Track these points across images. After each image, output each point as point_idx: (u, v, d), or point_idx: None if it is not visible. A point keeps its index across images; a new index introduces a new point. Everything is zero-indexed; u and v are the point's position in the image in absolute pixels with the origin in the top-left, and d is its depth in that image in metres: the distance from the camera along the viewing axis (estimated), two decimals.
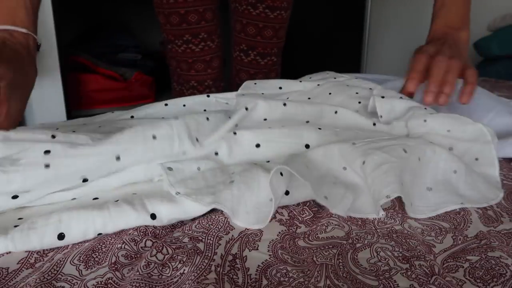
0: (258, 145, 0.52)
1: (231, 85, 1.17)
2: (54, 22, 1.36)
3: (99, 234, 0.40)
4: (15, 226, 0.39)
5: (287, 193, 0.45)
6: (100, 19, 2.07)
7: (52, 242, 0.38)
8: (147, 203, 0.42)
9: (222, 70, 1.15)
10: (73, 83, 1.72)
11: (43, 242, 0.38)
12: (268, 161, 0.52)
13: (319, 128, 0.56)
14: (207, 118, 0.53)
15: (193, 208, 0.43)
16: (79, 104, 1.73)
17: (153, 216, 0.41)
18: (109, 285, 0.34)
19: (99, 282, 0.34)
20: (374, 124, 0.62)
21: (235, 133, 0.53)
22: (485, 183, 0.51)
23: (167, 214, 0.42)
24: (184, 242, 0.39)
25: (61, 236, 0.38)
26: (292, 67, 1.59)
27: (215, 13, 1.05)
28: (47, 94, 1.41)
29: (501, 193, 0.51)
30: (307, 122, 0.60)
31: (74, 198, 0.46)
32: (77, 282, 0.34)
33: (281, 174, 0.44)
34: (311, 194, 0.46)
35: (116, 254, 0.37)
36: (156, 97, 1.94)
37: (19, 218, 0.42)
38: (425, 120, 0.60)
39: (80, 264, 0.36)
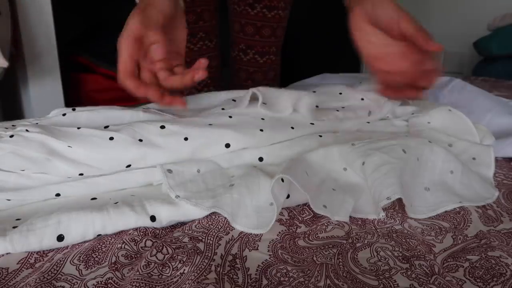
0: (261, 159, 0.51)
1: (231, 85, 1.18)
2: (54, 22, 1.36)
3: (99, 235, 0.40)
4: (14, 227, 0.39)
5: (287, 196, 0.45)
6: (100, 19, 2.07)
7: (51, 243, 0.38)
8: (146, 205, 0.42)
9: (221, 71, 1.16)
10: (73, 83, 1.71)
11: (42, 243, 0.38)
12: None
13: (320, 136, 0.56)
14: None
15: (193, 210, 0.42)
16: (79, 104, 1.73)
17: (152, 218, 0.41)
18: (109, 285, 0.34)
19: (99, 282, 0.34)
20: (369, 114, 0.62)
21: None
22: (481, 182, 0.51)
23: (166, 216, 0.42)
24: (184, 242, 0.39)
25: (60, 238, 0.38)
26: (293, 67, 1.59)
27: (213, 14, 1.07)
28: (47, 94, 1.41)
29: (496, 192, 0.51)
30: (312, 124, 0.59)
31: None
32: (77, 282, 0.34)
33: (282, 180, 0.44)
34: None
35: (116, 254, 0.37)
36: None
37: (17, 219, 0.42)
38: (429, 122, 0.60)
39: (80, 264, 0.36)
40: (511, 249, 0.40)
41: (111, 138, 0.47)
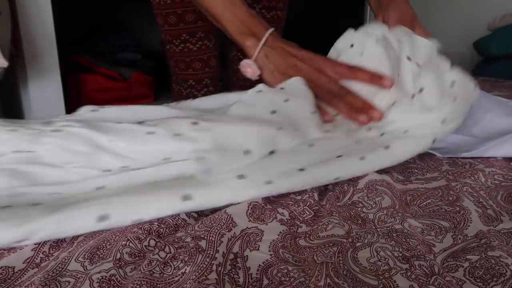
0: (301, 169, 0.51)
1: (230, 85, 1.18)
2: (54, 22, 1.36)
3: (140, 219, 0.41)
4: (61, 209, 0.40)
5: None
6: (100, 19, 2.08)
7: (93, 224, 0.39)
8: (181, 188, 0.43)
9: (220, 70, 1.15)
10: (73, 83, 1.72)
11: (87, 222, 0.39)
12: None
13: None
14: None
15: (226, 195, 0.44)
16: (78, 104, 1.73)
17: (186, 198, 0.42)
18: (112, 282, 0.34)
19: (104, 277, 0.35)
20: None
21: (272, 152, 0.52)
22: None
23: (201, 196, 0.43)
24: (186, 242, 0.39)
25: (103, 218, 0.39)
26: None
27: None
28: (47, 94, 1.41)
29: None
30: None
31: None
32: (82, 276, 0.35)
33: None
34: (295, 183, 0.48)
35: (120, 251, 0.38)
36: (156, 97, 1.95)
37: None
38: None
39: (85, 261, 0.37)
40: (511, 249, 0.40)
41: (150, 133, 0.49)
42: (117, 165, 0.47)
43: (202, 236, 0.40)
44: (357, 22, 2.13)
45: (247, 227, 0.42)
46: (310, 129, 0.57)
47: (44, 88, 1.40)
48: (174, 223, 0.43)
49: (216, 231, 0.41)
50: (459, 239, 0.42)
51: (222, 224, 0.42)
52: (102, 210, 0.40)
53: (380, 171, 0.56)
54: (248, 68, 0.68)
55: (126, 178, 0.47)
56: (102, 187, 0.46)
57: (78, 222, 0.39)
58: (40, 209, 0.41)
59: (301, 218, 0.45)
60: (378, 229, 0.43)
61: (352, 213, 0.47)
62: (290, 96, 0.59)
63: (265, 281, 0.35)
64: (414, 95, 0.59)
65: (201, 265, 0.36)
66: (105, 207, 0.40)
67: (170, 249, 0.38)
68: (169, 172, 0.48)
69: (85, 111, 0.55)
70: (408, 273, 0.36)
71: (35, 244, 0.39)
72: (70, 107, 1.54)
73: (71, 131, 0.46)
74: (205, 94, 1.12)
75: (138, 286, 0.33)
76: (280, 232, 0.42)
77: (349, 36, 0.70)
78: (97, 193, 0.45)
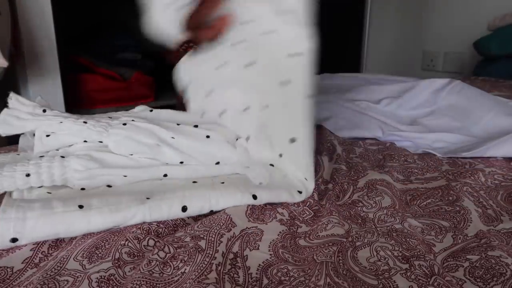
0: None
1: None
2: (54, 22, 1.36)
3: (211, 211, 0.44)
4: (147, 198, 0.43)
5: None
6: (100, 19, 2.07)
7: (177, 212, 0.42)
8: (248, 186, 0.46)
9: None
10: (73, 83, 1.71)
11: (171, 211, 0.42)
12: None
13: None
14: None
15: (284, 194, 0.47)
16: (78, 104, 1.73)
17: (254, 197, 0.45)
18: (111, 281, 0.34)
19: (102, 277, 0.34)
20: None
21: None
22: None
23: (265, 195, 0.46)
24: (185, 242, 0.39)
25: (184, 209, 0.43)
26: None
27: None
28: (47, 94, 1.41)
29: None
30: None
31: (166, 175, 0.50)
32: (80, 275, 0.35)
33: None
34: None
35: (119, 251, 0.37)
36: (156, 97, 1.95)
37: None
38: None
39: (83, 260, 0.36)
40: (511, 249, 0.40)
41: (208, 136, 0.52)
42: (176, 160, 0.50)
43: (202, 236, 0.39)
44: (357, 22, 2.13)
45: (246, 227, 0.42)
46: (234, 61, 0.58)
47: (44, 88, 1.40)
48: (173, 223, 0.43)
49: (216, 231, 0.40)
50: (459, 239, 0.42)
51: (221, 225, 0.41)
52: (182, 202, 0.43)
53: (380, 171, 0.56)
54: None
55: (186, 171, 0.51)
56: (166, 175, 0.49)
57: (167, 210, 0.42)
58: (127, 197, 0.43)
59: (301, 218, 0.45)
60: (378, 229, 0.43)
61: (352, 213, 0.47)
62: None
63: (265, 281, 0.35)
64: None
65: (200, 265, 0.35)
66: (183, 199, 0.43)
67: (169, 249, 0.38)
68: (220, 172, 0.52)
69: (140, 110, 0.58)
70: (408, 273, 0.36)
71: (34, 244, 0.39)
72: (70, 107, 1.54)
73: (137, 125, 0.50)
74: None
75: (137, 286, 0.33)
76: (280, 232, 0.42)
77: None
78: (165, 180, 0.49)
